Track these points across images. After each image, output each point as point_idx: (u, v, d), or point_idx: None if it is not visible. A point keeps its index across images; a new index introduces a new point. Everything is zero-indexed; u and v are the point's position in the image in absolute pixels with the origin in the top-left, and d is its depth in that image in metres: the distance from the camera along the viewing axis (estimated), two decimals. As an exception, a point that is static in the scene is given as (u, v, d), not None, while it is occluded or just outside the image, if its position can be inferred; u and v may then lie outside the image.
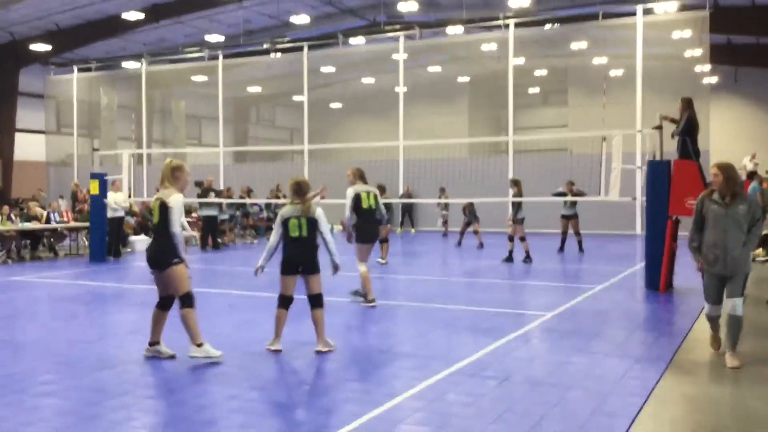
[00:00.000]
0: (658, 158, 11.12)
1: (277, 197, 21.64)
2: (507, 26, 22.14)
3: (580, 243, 16.48)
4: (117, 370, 6.27)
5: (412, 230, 24.57)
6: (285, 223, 6.87)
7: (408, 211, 24.93)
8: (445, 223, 22.75)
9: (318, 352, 6.78)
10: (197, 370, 6.23)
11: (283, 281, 6.91)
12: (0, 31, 27.43)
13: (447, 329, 7.99)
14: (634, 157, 16.48)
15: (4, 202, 18.89)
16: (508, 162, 22.82)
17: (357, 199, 9.28)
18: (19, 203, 18.56)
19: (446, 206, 22.41)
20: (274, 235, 7.09)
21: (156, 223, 6.55)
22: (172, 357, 6.56)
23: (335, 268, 7.16)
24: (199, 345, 6.40)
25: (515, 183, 14.78)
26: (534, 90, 34.23)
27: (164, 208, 6.43)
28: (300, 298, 7.03)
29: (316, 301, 6.94)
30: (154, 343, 6.65)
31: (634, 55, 20.86)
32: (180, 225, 6.48)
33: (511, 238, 14.77)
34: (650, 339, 7.50)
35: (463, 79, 33.52)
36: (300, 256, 6.87)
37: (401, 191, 23.65)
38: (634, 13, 20.71)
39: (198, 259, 16.22)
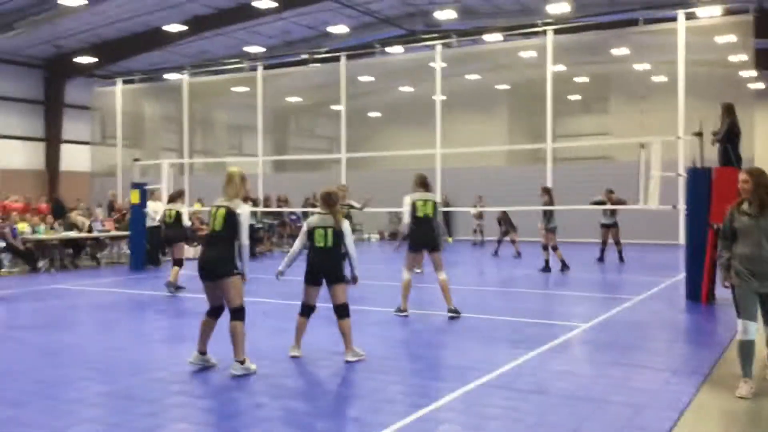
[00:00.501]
0: (699, 165, 10.84)
1: (313, 206, 21.72)
2: (545, 33, 21.88)
3: (620, 252, 16.16)
4: (148, 377, 6.32)
5: (449, 239, 24.43)
6: (311, 232, 6.88)
7: (445, 219, 24.72)
8: (479, 232, 22.60)
9: (347, 362, 6.75)
10: (227, 378, 6.24)
11: (306, 290, 6.97)
12: (47, 44, 28.19)
13: (482, 339, 7.89)
14: (676, 164, 16.12)
15: (61, 210, 19.31)
16: (547, 170, 22.53)
17: (412, 207, 9.21)
18: (64, 212, 18.97)
19: (481, 215, 22.24)
20: (298, 243, 7.12)
21: (218, 231, 6.36)
22: (214, 366, 6.55)
23: (354, 279, 7.13)
24: (242, 361, 6.36)
25: (546, 191, 14.58)
26: (574, 97, 33.81)
27: (232, 216, 6.33)
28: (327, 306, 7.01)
29: (341, 311, 6.93)
30: (202, 352, 6.56)
31: (677, 61, 20.43)
32: (248, 237, 6.42)
33: (545, 247, 14.56)
34: (689, 351, 7.29)
35: (502, 86, 33.26)
36: (323, 265, 6.89)
37: (439, 200, 23.52)
38: (675, 19, 20.29)
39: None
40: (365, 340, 7.91)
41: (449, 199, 23.44)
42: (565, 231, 22.48)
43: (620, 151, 23.78)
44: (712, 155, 10.99)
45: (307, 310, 7.00)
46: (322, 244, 6.86)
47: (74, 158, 30.72)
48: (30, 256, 15.40)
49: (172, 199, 12.83)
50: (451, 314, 9.12)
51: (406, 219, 9.26)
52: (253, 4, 24.24)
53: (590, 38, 23.59)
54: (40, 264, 15.62)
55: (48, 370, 6.60)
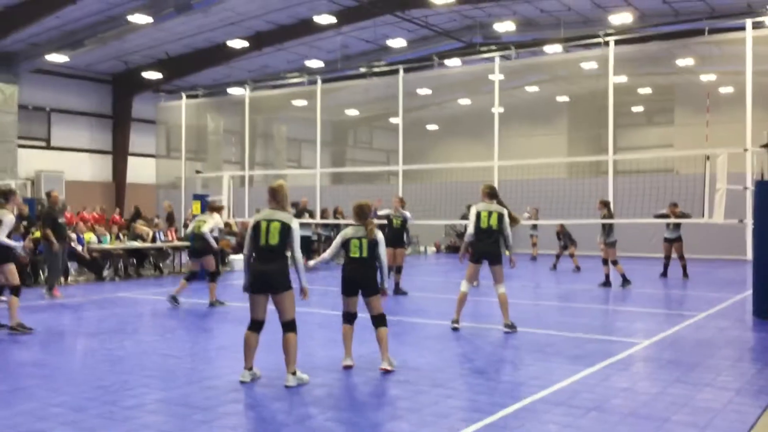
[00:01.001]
0: (767, 178, 10.45)
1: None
2: (607, 44, 21.49)
3: (684, 268, 15.68)
4: (204, 384, 6.42)
5: (507, 252, 24.15)
6: (346, 243, 7.00)
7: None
8: (534, 245, 22.35)
9: (382, 370, 6.75)
10: (280, 388, 6.28)
11: (345, 301, 7.08)
12: (116, 60, 29.21)
13: (538, 354, 7.74)
14: (743, 177, 15.57)
15: (138, 217, 19.91)
16: (609, 183, 22.10)
17: (477, 217, 9.12)
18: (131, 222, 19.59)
19: (535, 227, 21.97)
20: (331, 251, 7.25)
21: (273, 245, 6.36)
22: (259, 378, 6.59)
23: (383, 291, 7.16)
24: (293, 373, 6.39)
25: (605, 204, 14.26)
26: (637, 109, 33.11)
27: (287, 230, 6.38)
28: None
29: (378, 321, 7.03)
30: (250, 368, 6.55)
31: (744, 71, 19.78)
32: (300, 249, 6.49)
33: (605, 262, 14.23)
34: (754, 370, 6.99)
35: (562, 98, 32.84)
36: (358, 275, 6.98)
37: (505, 212, 23.28)
38: (743, 28, 19.64)
39: (291, 279, 16.51)
40: (420, 353, 7.87)
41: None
42: (628, 245, 22.04)
43: (684, 163, 23.12)
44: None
45: (349, 317, 7.10)
46: (357, 255, 6.96)
47: (140, 170, 31.66)
48: (96, 265, 15.89)
49: (211, 209, 12.83)
50: (507, 329, 8.98)
51: (471, 229, 9.13)
52: (314, 19, 24.61)
53: (653, 48, 23.07)
54: (105, 273, 16.11)
55: (109, 376, 6.77)
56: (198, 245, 12.11)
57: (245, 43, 27.01)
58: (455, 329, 9.13)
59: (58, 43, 25.35)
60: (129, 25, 23.54)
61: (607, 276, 14.18)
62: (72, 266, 15.75)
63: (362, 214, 7.08)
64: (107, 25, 24.10)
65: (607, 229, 14.05)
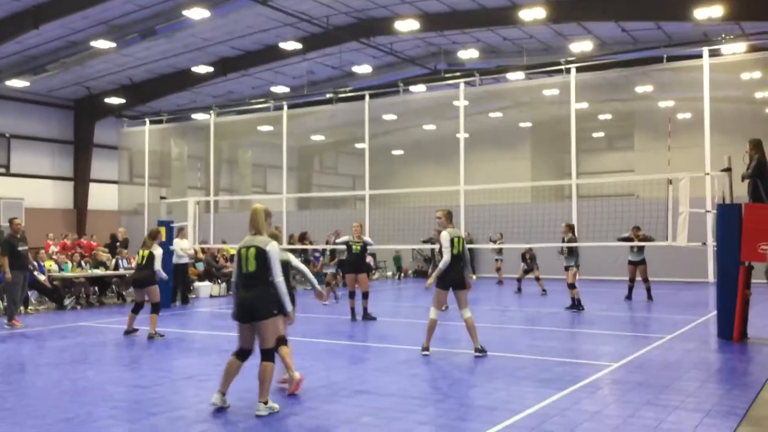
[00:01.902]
0: (728, 202, 10.70)
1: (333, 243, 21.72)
2: (568, 71, 21.94)
3: (648, 290, 15.91)
4: (171, 415, 6.28)
5: (473, 276, 24.28)
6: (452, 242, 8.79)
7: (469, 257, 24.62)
8: (498, 270, 22.54)
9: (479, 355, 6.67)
10: (250, 417, 6.17)
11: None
12: (78, 86, 28.86)
13: (509, 378, 7.75)
14: (703, 201, 15.92)
15: (123, 246, 19.46)
16: (572, 207, 22.42)
17: (451, 243, 9.07)
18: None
19: (500, 251, 22.18)
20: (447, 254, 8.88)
21: (251, 272, 6.28)
22: (228, 407, 6.44)
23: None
24: (265, 402, 6.28)
25: (570, 228, 14.44)
26: (599, 134, 33.75)
27: (262, 255, 6.27)
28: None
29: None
30: (224, 393, 6.43)
31: (702, 98, 20.33)
32: (281, 274, 6.32)
33: (572, 285, 14.37)
34: (723, 391, 7.09)
35: (525, 124, 33.34)
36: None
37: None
38: (700, 56, 20.23)
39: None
40: (391, 378, 7.82)
41: (473, 236, 23.34)
42: (592, 268, 22.34)
43: (645, 187, 23.58)
44: (740, 192, 10.84)
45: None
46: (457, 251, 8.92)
47: (102, 197, 31.17)
48: (57, 294, 15.53)
49: (152, 237, 12.00)
50: (477, 353, 8.98)
51: (447, 256, 9.04)
52: (280, 45, 24.68)
53: (613, 75, 23.60)
54: (66, 302, 15.74)
55: (73, 407, 6.58)
56: (142, 276, 11.60)
57: (210, 69, 26.96)
58: (425, 355, 9.10)
59: (18, 68, 25.00)
60: (92, 51, 23.35)
61: (578, 300, 14.31)
62: (32, 295, 15.36)
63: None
64: (69, 51, 23.87)
65: (572, 252, 14.20)
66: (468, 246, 20.24)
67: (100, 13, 21.16)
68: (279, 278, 6.29)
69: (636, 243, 15.37)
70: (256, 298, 6.26)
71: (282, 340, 6.91)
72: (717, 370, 8.36)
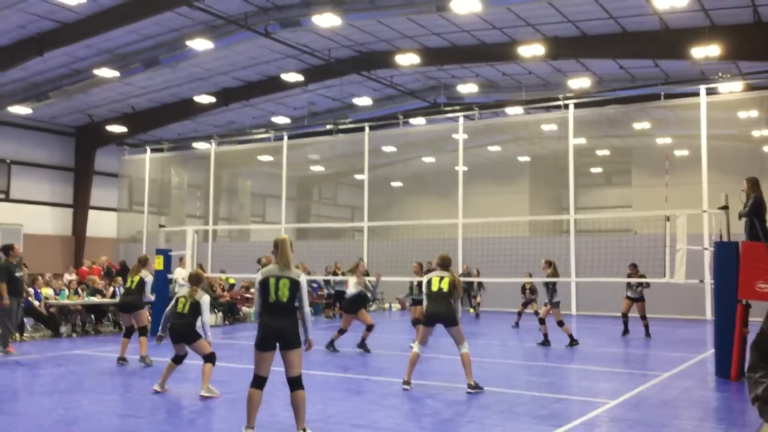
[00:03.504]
0: (725, 239, 10.74)
1: (335, 274, 21.72)
2: (567, 107, 22.18)
3: (646, 327, 15.84)
4: (166, 447, 6.23)
5: (471, 310, 24.22)
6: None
7: (466, 290, 24.64)
8: (478, 305, 22.66)
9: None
10: (246, 449, 6.13)
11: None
12: (80, 113, 29.05)
13: (504, 414, 7.70)
14: (701, 238, 15.98)
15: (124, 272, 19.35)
16: (570, 242, 22.45)
17: (427, 283, 9.32)
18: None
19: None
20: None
21: (284, 302, 6.33)
22: None
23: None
24: (304, 430, 6.37)
25: (549, 264, 14.43)
26: (596, 170, 33.98)
27: (296, 286, 6.37)
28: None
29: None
30: (252, 427, 6.35)
31: (699, 135, 20.53)
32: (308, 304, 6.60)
33: (542, 321, 14.37)
34: (720, 430, 7.05)
35: (524, 158, 33.57)
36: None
37: (460, 270, 23.46)
38: (697, 94, 20.50)
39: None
40: (387, 412, 7.78)
41: (470, 269, 23.34)
42: (589, 304, 22.32)
43: (642, 224, 23.68)
44: (738, 230, 10.90)
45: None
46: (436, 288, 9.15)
47: (100, 224, 31.17)
48: (53, 321, 15.46)
49: (141, 263, 11.99)
50: (470, 390, 8.93)
51: (424, 298, 9.35)
52: (282, 77, 24.94)
53: (611, 112, 23.88)
54: (63, 329, 15.67)
55: (66, 437, 6.53)
56: (130, 300, 11.69)
57: (212, 99, 27.20)
58: (405, 389, 9.07)
59: (21, 94, 25.18)
60: (95, 79, 23.54)
61: (546, 335, 14.31)
62: (28, 322, 15.29)
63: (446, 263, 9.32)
64: (72, 78, 24.08)
65: (552, 290, 14.19)
66: (466, 279, 20.15)
67: (104, 42, 21.40)
68: (308, 308, 6.56)
69: (635, 280, 15.37)
70: (289, 328, 6.34)
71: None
72: (715, 409, 8.32)
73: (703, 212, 15.38)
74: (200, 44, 20.55)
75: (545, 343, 14.20)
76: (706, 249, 13.36)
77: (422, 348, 9.37)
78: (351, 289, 13.63)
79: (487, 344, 14.65)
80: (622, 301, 16.15)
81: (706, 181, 19.98)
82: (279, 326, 6.33)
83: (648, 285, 15.51)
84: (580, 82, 24.81)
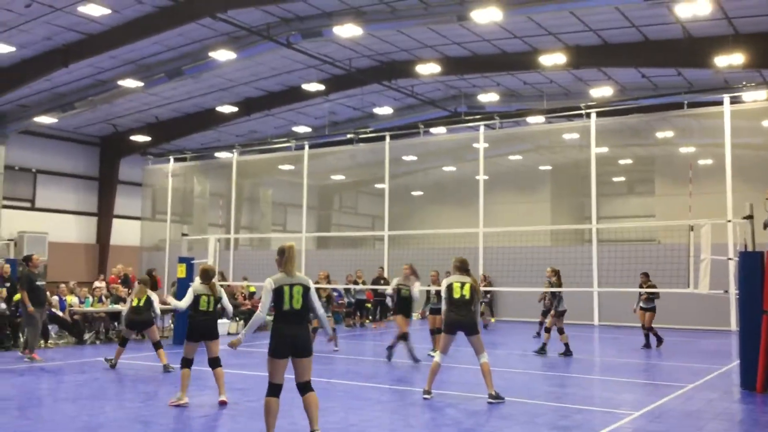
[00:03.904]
0: (750, 249, 10.61)
1: (356, 282, 21.77)
2: (589, 116, 22.07)
3: (647, 337, 15.64)
4: (188, 454, 6.28)
5: (492, 319, 24.11)
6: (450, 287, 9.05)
7: (488, 301, 24.56)
8: (482, 314, 22.44)
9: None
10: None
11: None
12: (104, 123, 29.43)
13: (525, 425, 7.67)
14: (725, 248, 15.79)
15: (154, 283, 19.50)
16: (592, 251, 22.30)
17: (448, 289, 9.18)
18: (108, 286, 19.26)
19: (485, 294, 22.19)
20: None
21: (298, 309, 6.42)
22: None
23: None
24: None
25: (555, 273, 14.42)
26: (619, 179, 33.74)
27: (308, 292, 6.51)
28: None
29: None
30: None
31: (723, 144, 20.33)
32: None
33: (548, 330, 14.37)
34: (746, 444, 6.95)
35: (545, 167, 33.43)
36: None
37: (480, 279, 23.42)
38: (721, 102, 20.30)
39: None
40: (407, 421, 7.77)
41: (491, 278, 23.26)
42: (611, 314, 22.11)
43: (666, 233, 23.45)
44: (763, 239, 10.77)
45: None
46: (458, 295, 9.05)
47: (124, 233, 31.50)
48: (76, 329, 15.63)
49: (144, 283, 12.40)
50: (491, 400, 8.88)
51: (442, 304, 9.26)
52: (303, 87, 25.11)
53: (634, 121, 23.72)
54: (86, 336, 15.84)
55: (90, 443, 6.61)
56: (141, 318, 12.13)
57: (234, 109, 27.44)
58: (426, 399, 9.03)
59: (47, 105, 25.57)
60: (119, 90, 23.86)
61: (545, 344, 14.36)
62: (52, 329, 15.48)
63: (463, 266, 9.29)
64: (97, 89, 24.42)
65: (558, 299, 14.20)
66: (487, 289, 20.02)
67: (128, 53, 21.69)
68: (322, 309, 6.76)
69: (645, 290, 15.27)
70: (304, 336, 6.48)
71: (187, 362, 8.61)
72: (739, 422, 8.21)
73: (727, 222, 15.18)
74: (223, 55, 20.76)
75: (567, 353, 14.10)
76: (730, 259, 13.17)
77: (443, 357, 9.31)
78: (416, 291, 13.18)
79: (508, 354, 14.58)
80: (638, 313, 15.99)
81: (730, 190, 19.76)
82: (294, 334, 6.39)
83: (658, 296, 15.39)
84: (602, 91, 24.68)
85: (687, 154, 27.77)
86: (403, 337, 12.92)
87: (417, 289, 13.24)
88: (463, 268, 9.38)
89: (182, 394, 8.62)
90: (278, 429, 6.58)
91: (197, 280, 9.41)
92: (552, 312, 14.43)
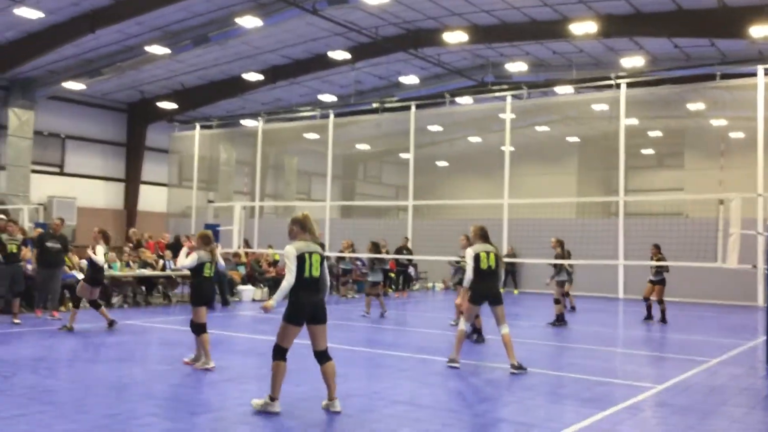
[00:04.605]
0: (781, 224, 10.42)
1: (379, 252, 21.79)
2: (618, 86, 21.69)
3: (663, 312, 15.44)
4: (213, 415, 6.39)
5: (515, 291, 24.09)
6: (477, 257, 8.91)
7: (511, 271, 24.54)
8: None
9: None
10: (286, 419, 6.24)
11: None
12: (132, 90, 29.60)
13: (547, 396, 7.67)
14: (754, 222, 15.54)
15: (179, 246, 19.66)
16: (619, 224, 22.09)
17: (475, 259, 9.08)
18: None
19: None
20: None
21: (317, 276, 6.53)
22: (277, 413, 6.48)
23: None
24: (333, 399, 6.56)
25: (559, 243, 14.49)
26: (648, 151, 33.25)
27: (323, 260, 6.68)
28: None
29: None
30: (276, 398, 6.49)
31: (755, 117, 19.89)
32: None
33: (557, 301, 14.44)
34: (771, 420, 6.90)
35: (573, 139, 33.04)
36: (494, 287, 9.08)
37: (505, 251, 23.35)
38: (754, 74, 19.81)
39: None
40: (430, 390, 7.82)
41: (516, 250, 23.17)
42: (637, 288, 21.96)
43: (695, 207, 23.14)
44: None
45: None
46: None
47: (151, 199, 31.84)
48: (105, 293, 15.88)
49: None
50: (513, 370, 8.89)
51: (470, 273, 9.07)
52: (329, 55, 24.95)
53: (665, 92, 23.28)
54: (114, 300, 16.11)
55: (117, 404, 6.75)
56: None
57: (260, 77, 27.39)
58: (456, 368, 9.05)
59: (75, 71, 25.73)
60: (146, 56, 23.92)
61: (561, 315, 14.39)
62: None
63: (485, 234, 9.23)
64: (125, 55, 24.49)
65: (559, 268, 14.41)
66: (511, 260, 20.06)
67: (155, 19, 21.68)
68: (329, 279, 6.82)
69: (654, 263, 15.15)
70: (322, 302, 6.62)
71: (203, 328, 8.53)
72: (765, 398, 8.14)
73: (758, 196, 14.94)
74: (249, 22, 20.67)
75: (557, 322, 14.25)
76: (760, 234, 12.99)
77: (468, 326, 9.35)
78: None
79: (532, 326, 14.57)
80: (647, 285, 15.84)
81: (762, 164, 19.36)
82: (315, 301, 6.53)
83: (667, 269, 15.24)
84: (633, 61, 24.20)
85: (718, 126, 27.26)
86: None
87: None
88: (485, 236, 9.33)
89: (207, 358, 8.72)
90: (300, 395, 6.64)
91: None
92: (549, 280, 14.59)
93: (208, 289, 9.11)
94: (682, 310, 15.99)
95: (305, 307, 6.45)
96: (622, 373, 9.59)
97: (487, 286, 9.05)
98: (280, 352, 6.49)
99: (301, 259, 6.44)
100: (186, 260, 9.02)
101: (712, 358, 10.55)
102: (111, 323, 12.06)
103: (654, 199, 27.19)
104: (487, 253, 9.10)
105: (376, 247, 16.59)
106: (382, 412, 6.72)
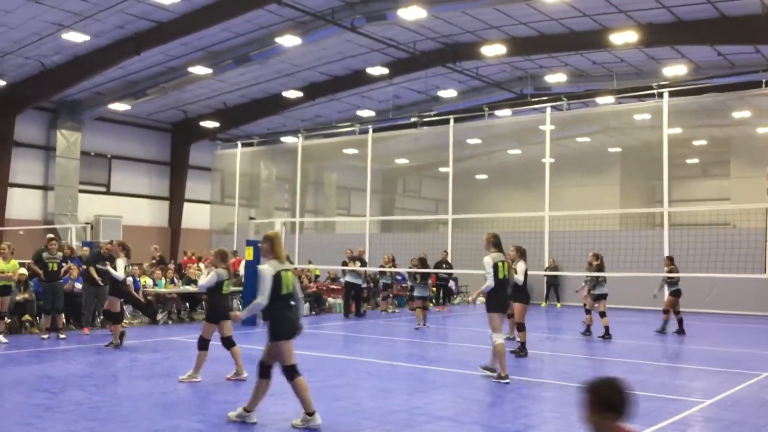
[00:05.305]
0: (832, 234, 10.12)
1: (427, 266, 21.76)
2: (661, 95, 21.35)
3: (677, 322, 15.23)
4: (254, 430, 6.44)
5: (558, 304, 23.80)
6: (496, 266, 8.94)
7: (553, 284, 24.23)
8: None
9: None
10: (331, 437, 6.26)
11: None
12: (175, 109, 30.20)
13: (591, 411, 7.54)
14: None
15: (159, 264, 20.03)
16: (663, 236, 21.67)
17: (495, 268, 9.17)
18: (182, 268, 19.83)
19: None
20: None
21: (292, 293, 6.84)
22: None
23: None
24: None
25: (597, 257, 14.33)
26: (692, 161, 32.63)
27: (294, 278, 7.00)
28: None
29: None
30: (251, 410, 6.84)
31: (804, 124, 19.40)
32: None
33: (588, 311, 14.58)
34: (826, 436, 6.67)
35: (614, 149, 32.60)
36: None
37: (546, 264, 23.09)
38: (802, 80, 19.31)
39: (341, 326, 16.57)
40: (470, 406, 7.76)
41: (558, 263, 22.90)
42: (685, 300, 21.48)
43: (742, 217, 22.58)
44: None
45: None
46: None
47: (195, 216, 32.33)
48: (150, 309, 16.18)
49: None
50: (483, 370, 9.34)
51: (491, 281, 9.13)
52: (367, 71, 25.13)
53: (709, 101, 22.84)
54: (159, 316, 16.38)
55: (162, 420, 6.85)
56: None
57: (299, 94, 27.70)
58: (507, 383, 8.96)
59: (120, 92, 26.37)
60: (189, 76, 24.39)
61: (589, 326, 14.62)
62: (127, 309, 16.05)
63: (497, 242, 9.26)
64: (168, 76, 25.01)
65: (595, 281, 14.40)
66: (552, 273, 19.98)
67: (198, 40, 22.12)
68: (301, 293, 7.13)
69: (668, 274, 15.07)
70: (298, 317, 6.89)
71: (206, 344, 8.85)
72: (819, 413, 7.88)
73: (807, 205, 14.54)
74: (289, 40, 20.95)
75: (585, 332, 14.50)
76: (810, 244, 12.62)
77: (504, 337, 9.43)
78: (520, 276, 11.19)
79: (575, 339, 14.36)
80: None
81: (811, 172, 18.83)
82: (297, 317, 6.82)
83: (678, 280, 15.28)
84: (676, 70, 23.82)
85: (765, 134, 26.62)
86: (519, 327, 11.43)
87: (521, 273, 11.24)
88: (498, 243, 9.43)
89: (196, 372, 8.99)
90: (337, 410, 6.65)
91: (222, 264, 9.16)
92: (586, 293, 14.68)
93: (224, 307, 9.31)
94: (731, 322, 15.60)
95: (293, 321, 6.70)
96: (669, 388, 9.38)
97: (505, 296, 9.36)
98: (292, 370, 6.68)
99: (277, 277, 6.63)
100: (204, 281, 9.17)
101: (762, 371, 10.26)
102: (119, 341, 12.13)
103: (699, 209, 26.63)
104: (502, 262, 9.21)
105: (423, 262, 16.69)
106: (424, 428, 6.69)
